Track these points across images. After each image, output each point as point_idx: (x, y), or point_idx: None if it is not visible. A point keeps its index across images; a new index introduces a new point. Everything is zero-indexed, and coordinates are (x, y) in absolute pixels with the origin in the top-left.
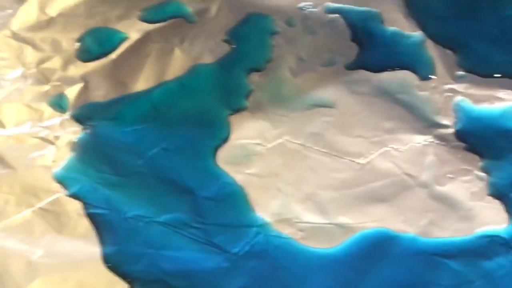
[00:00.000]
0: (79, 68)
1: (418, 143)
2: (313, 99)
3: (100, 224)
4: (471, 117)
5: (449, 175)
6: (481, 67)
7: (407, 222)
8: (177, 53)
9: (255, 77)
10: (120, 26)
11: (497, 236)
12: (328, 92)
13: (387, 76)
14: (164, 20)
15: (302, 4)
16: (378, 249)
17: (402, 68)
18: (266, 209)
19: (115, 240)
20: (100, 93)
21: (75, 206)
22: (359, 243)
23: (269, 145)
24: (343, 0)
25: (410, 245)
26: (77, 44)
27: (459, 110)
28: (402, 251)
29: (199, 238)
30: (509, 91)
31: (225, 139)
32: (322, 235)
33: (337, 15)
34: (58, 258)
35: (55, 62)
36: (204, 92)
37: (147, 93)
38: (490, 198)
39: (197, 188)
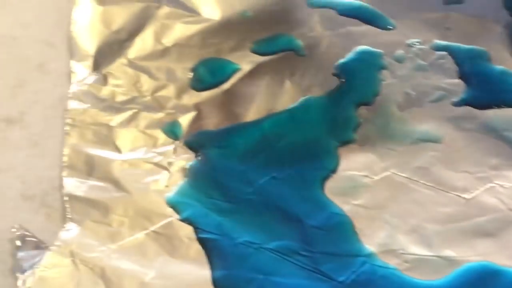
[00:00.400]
0: (192, 97)
1: None
2: (420, 134)
3: (211, 248)
4: None
5: None
6: None
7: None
8: (288, 85)
9: (363, 110)
10: (232, 57)
11: None
12: (435, 128)
13: (493, 114)
14: (275, 53)
15: (410, 41)
16: (483, 283)
17: (509, 106)
18: (372, 239)
19: (225, 264)
20: (212, 122)
21: (187, 230)
22: (464, 276)
23: (376, 178)
24: (451, 38)
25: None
26: (191, 74)
27: None
28: (507, 285)
29: (306, 266)
30: None
31: (333, 170)
32: (427, 267)
33: (445, 52)
34: (169, 280)
35: (170, 91)
36: (313, 124)
37: (258, 123)
38: None
39: (305, 217)
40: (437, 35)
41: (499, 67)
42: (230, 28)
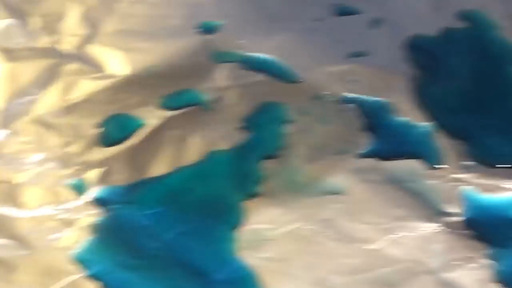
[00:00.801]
0: (100, 153)
1: (426, 230)
2: (325, 186)
3: None
4: (479, 206)
5: (456, 262)
6: (489, 158)
7: None
8: (193, 139)
9: (268, 164)
10: (139, 113)
11: None
12: (340, 180)
13: (397, 165)
14: (181, 108)
15: (316, 94)
16: None
17: (412, 157)
18: None
19: None
20: (120, 178)
21: None
22: None
23: (282, 231)
24: (356, 90)
25: None
26: (99, 130)
27: (466, 199)
28: None
29: None
30: None
31: (239, 224)
32: None
33: (350, 105)
34: None
35: (77, 147)
36: (219, 178)
37: (164, 178)
38: (497, 286)
39: (211, 271)
40: (343, 87)
41: (403, 118)
42: (137, 84)
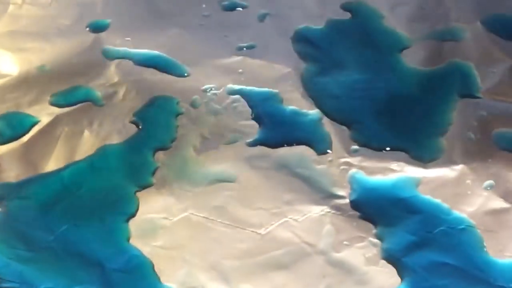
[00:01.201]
0: None
1: (316, 213)
2: (216, 174)
3: None
4: (365, 188)
5: (345, 242)
6: (374, 142)
7: (306, 287)
8: (86, 134)
9: (160, 155)
10: (31, 111)
11: None
12: (230, 168)
13: (286, 152)
14: (73, 104)
15: (205, 87)
16: None
17: (300, 143)
18: (173, 279)
19: None
20: (12, 174)
21: None
22: None
23: (175, 219)
24: (244, 82)
25: None
26: None
27: (354, 181)
28: None
29: None
30: (400, 163)
31: (132, 214)
32: None
33: (238, 96)
34: None
35: None
36: (112, 171)
37: (57, 173)
38: (384, 262)
39: (106, 261)
40: (231, 79)
41: (290, 107)
42: (28, 83)
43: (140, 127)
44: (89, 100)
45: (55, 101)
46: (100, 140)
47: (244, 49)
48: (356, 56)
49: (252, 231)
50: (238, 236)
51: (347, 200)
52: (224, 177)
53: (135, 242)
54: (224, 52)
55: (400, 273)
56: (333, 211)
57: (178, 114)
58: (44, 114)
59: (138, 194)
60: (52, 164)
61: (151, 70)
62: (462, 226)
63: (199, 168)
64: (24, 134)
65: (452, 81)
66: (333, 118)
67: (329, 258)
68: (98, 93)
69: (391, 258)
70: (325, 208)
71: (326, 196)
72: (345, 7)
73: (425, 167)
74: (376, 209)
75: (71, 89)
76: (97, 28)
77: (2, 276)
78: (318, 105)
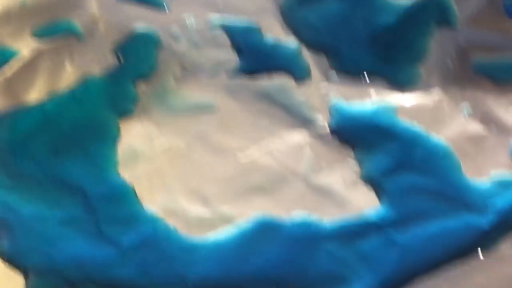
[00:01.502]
0: None
1: (296, 139)
2: (196, 103)
3: None
4: (345, 114)
5: (324, 166)
6: (352, 69)
7: (286, 210)
8: (68, 67)
9: (141, 85)
10: (13, 43)
11: (368, 219)
12: (210, 97)
13: (266, 81)
14: (54, 37)
15: (185, 18)
16: (260, 235)
17: (280, 73)
18: (154, 204)
19: (11, 236)
20: None
21: None
22: (243, 231)
23: (156, 146)
24: (224, 13)
25: (289, 230)
26: None
27: (332, 108)
28: (283, 236)
29: (91, 232)
30: (378, 89)
31: (114, 142)
32: (206, 225)
33: (218, 27)
34: None
35: None
36: (94, 101)
37: (40, 105)
38: (363, 185)
39: (88, 187)
40: (211, 11)
41: (269, 38)
42: (10, 17)
43: (120, 58)
44: (70, 33)
45: (36, 34)
46: (81, 72)
47: None
48: None
49: (233, 157)
50: (219, 162)
51: (327, 126)
52: (204, 105)
53: (116, 169)
54: None
55: (379, 196)
56: (312, 137)
57: (158, 46)
58: (26, 46)
59: (120, 122)
60: (34, 96)
61: (131, 3)
62: (440, 150)
63: (179, 97)
64: (5, 67)
65: (430, 12)
66: (312, 48)
67: (309, 182)
68: (79, 26)
69: (370, 181)
70: (305, 134)
71: (305, 122)
72: None
73: (403, 93)
74: (355, 135)
75: (52, 23)
76: None
77: None
78: (297, 36)
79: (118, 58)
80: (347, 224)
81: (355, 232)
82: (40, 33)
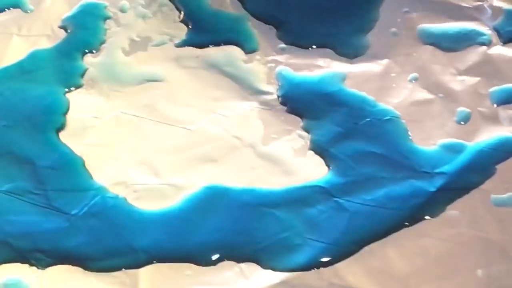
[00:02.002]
0: None
1: (244, 108)
2: (145, 75)
3: None
4: (292, 83)
5: (273, 136)
6: (301, 40)
7: (235, 179)
8: (16, 40)
9: (90, 58)
10: None
11: (317, 186)
12: (159, 68)
13: (214, 51)
14: (1, 10)
15: None
16: (209, 203)
17: (228, 44)
18: (103, 174)
19: None
20: None
21: None
22: (191, 199)
23: (105, 118)
24: None
25: (237, 197)
26: None
27: (281, 78)
28: (231, 203)
29: (40, 203)
30: (326, 59)
31: (63, 114)
32: (155, 195)
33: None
34: None
35: None
36: (42, 73)
37: None
38: (312, 153)
39: (37, 159)
40: None
41: (218, 9)
42: None
43: (68, 31)
44: (17, 6)
45: None
46: (29, 45)
47: None
48: None
49: (182, 127)
50: (168, 133)
51: (275, 96)
52: (153, 76)
53: (65, 140)
54: None
55: (328, 163)
56: (261, 107)
57: (106, 18)
58: None
59: (68, 95)
60: None
61: None
62: (387, 117)
63: (128, 69)
64: None
65: None
66: (260, 19)
67: (258, 151)
68: (26, 0)
69: (318, 149)
70: (253, 104)
71: (254, 92)
72: None
73: (351, 62)
74: (303, 103)
75: None
76: None
77: None
78: (245, 6)
79: (66, 30)
80: (295, 190)
81: (303, 198)
82: None
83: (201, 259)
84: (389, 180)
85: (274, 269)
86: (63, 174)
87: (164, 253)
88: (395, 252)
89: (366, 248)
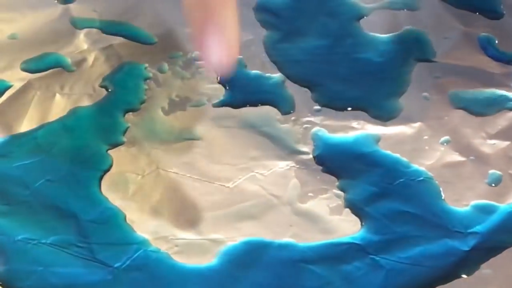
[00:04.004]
0: None
1: (281, 168)
2: (184, 133)
3: None
4: (328, 143)
5: (310, 194)
6: (335, 102)
7: (274, 236)
8: (58, 98)
9: (130, 116)
10: (4, 76)
11: (353, 243)
12: (197, 127)
13: (251, 111)
14: (45, 70)
15: (172, 53)
16: (248, 257)
17: (265, 105)
18: (145, 229)
19: (6, 260)
20: None
21: None
22: (231, 254)
23: (145, 174)
24: None
25: (277, 253)
26: None
27: (316, 138)
28: (270, 258)
29: (84, 256)
30: (360, 121)
31: (105, 170)
32: (195, 250)
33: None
34: None
35: None
36: (84, 130)
37: (31, 132)
38: (347, 212)
39: (81, 213)
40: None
41: (254, 71)
42: (0, 50)
43: (109, 90)
44: (60, 66)
45: (26, 67)
46: (71, 103)
47: None
48: (316, 24)
49: (221, 185)
50: (207, 190)
51: (311, 156)
52: (191, 135)
53: (107, 196)
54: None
55: (363, 221)
56: (297, 166)
57: (146, 79)
58: (16, 79)
59: (111, 152)
60: (25, 126)
61: (119, 38)
62: (421, 178)
63: (168, 128)
64: None
65: (408, 47)
66: (296, 81)
67: (295, 209)
68: (68, 60)
69: (354, 207)
70: (290, 163)
71: (290, 152)
72: None
73: (384, 125)
74: (338, 164)
75: (42, 56)
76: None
77: None
78: (281, 69)
79: (107, 89)
80: (331, 246)
81: (340, 255)
82: (31, 67)
83: None
84: (423, 239)
85: None
86: (106, 228)
87: None
88: None
89: None
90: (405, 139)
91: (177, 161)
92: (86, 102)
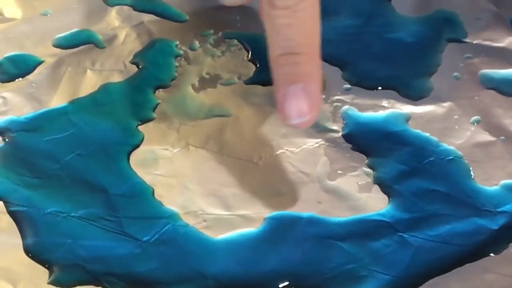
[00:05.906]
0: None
1: (311, 145)
2: (214, 110)
3: (21, 219)
4: (357, 122)
5: (339, 172)
6: (365, 81)
7: (302, 212)
8: (89, 74)
9: (161, 93)
10: (36, 52)
11: (381, 220)
12: (227, 104)
13: None
14: (76, 46)
15: (203, 31)
16: (276, 233)
17: None
18: (173, 203)
19: (35, 232)
20: (19, 110)
21: None
22: (259, 229)
23: (175, 150)
24: (240, 28)
25: (305, 229)
26: None
27: (346, 117)
28: (299, 234)
29: (112, 229)
30: (391, 100)
31: (135, 146)
32: (224, 225)
33: (235, 40)
34: None
35: None
36: (115, 106)
37: (62, 107)
38: (376, 189)
39: (110, 187)
40: (227, 25)
41: None
42: (32, 26)
43: (140, 67)
44: (91, 42)
45: (58, 43)
46: (102, 79)
47: None
48: (348, 3)
49: (250, 161)
50: (236, 166)
51: (340, 134)
52: (221, 112)
53: (137, 171)
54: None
55: (391, 199)
56: (327, 143)
57: (177, 56)
58: (48, 55)
59: (141, 127)
60: (56, 101)
61: (150, 15)
62: (450, 157)
63: (197, 104)
64: (29, 73)
65: (439, 27)
66: (326, 60)
67: (324, 186)
68: (100, 36)
69: (383, 185)
70: (320, 141)
71: (320, 130)
72: None
73: (414, 104)
74: (368, 142)
75: (74, 32)
76: None
77: (10, 200)
78: None
79: (137, 66)
80: (360, 222)
81: (369, 232)
82: (62, 43)
83: (269, 287)
84: (452, 217)
85: None
86: (135, 202)
87: (233, 280)
88: (459, 286)
89: (430, 281)
90: (435, 118)
91: (206, 137)
92: (117, 78)
